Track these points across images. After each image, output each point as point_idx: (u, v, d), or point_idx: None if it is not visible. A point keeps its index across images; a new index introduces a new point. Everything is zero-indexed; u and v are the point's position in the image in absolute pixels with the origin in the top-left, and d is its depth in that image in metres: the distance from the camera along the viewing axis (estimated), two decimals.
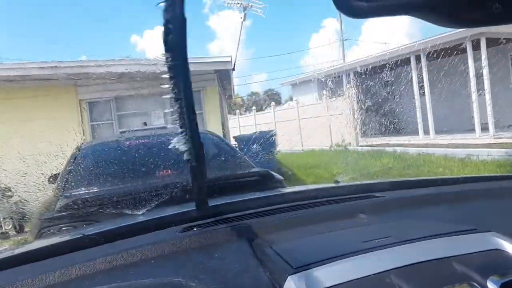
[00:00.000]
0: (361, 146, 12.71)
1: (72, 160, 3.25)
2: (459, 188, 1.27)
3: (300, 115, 15.72)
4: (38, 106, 7.86)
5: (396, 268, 0.64)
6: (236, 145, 8.61)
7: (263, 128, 14.46)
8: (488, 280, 0.60)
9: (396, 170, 8.06)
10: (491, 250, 0.69)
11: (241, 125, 20.19)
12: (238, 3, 13.97)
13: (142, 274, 0.80)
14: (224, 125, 9.72)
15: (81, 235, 1.13)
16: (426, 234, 0.75)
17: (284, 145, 14.82)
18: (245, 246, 0.89)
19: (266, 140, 9.25)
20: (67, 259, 0.93)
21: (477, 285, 0.59)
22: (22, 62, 9.21)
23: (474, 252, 0.68)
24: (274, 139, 9.64)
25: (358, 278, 0.62)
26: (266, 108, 28.82)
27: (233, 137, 10.43)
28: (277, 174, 3.39)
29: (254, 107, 21.03)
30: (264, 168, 3.41)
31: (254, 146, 8.80)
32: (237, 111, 24.44)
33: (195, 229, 1.05)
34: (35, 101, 7.86)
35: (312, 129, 14.92)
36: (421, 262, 0.66)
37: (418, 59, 11.93)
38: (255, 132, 10.73)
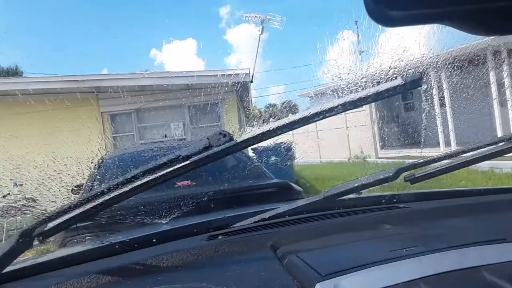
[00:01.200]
0: (380, 158, 12.56)
1: (95, 171, 3.32)
2: (485, 199, 1.25)
3: (318, 126, 15.66)
4: (61, 118, 8.06)
5: (425, 277, 0.63)
6: (254, 157, 8.62)
7: (280, 140, 14.46)
8: None
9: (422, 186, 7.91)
10: None
11: None
12: (256, 17, 14.12)
13: (170, 280, 0.82)
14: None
15: (109, 243, 1.16)
16: (454, 243, 0.74)
17: (302, 156, 14.76)
18: (270, 255, 0.90)
19: (284, 152, 9.23)
20: (95, 265, 0.95)
21: None
22: (45, 75, 9.51)
23: (504, 262, 0.67)
24: (292, 150, 9.61)
25: (387, 287, 0.62)
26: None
27: (251, 149, 10.45)
28: (297, 186, 3.39)
29: (271, 119, 21.07)
30: (283, 180, 3.41)
31: (272, 158, 8.79)
32: (255, 123, 24.53)
33: (220, 237, 1.06)
34: (58, 114, 8.07)
35: (331, 141, 14.83)
36: (450, 271, 0.65)
37: (437, 70, 11.80)
38: (273, 144, 10.72)
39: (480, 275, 0.64)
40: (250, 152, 9.27)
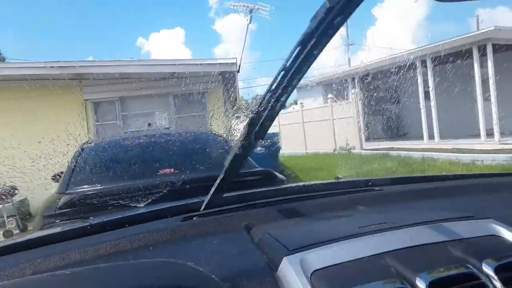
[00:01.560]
0: (365, 149, 12.69)
1: (75, 159, 3.28)
2: (459, 183, 1.27)
3: (304, 118, 15.72)
4: (44, 105, 7.92)
5: (391, 251, 0.64)
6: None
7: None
8: (483, 263, 0.59)
9: (400, 174, 8.02)
10: (487, 235, 0.69)
11: None
12: (245, 6, 14.02)
13: (141, 258, 0.81)
14: (227, 127, 9.73)
15: (81, 224, 1.14)
16: (424, 220, 0.75)
17: (288, 148, 14.82)
18: (243, 234, 0.90)
19: (270, 142, 9.25)
20: (67, 245, 0.94)
21: (472, 267, 0.59)
22: (28, 61, 9.31)
23: (471, 237, 0.68)
24: (278, 141, 9.64)
25: (353, 260, 0.62)
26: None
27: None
28: (280, 175, 3.39)
29: (259, 108, 21.04)
30: (266, 168, 3.41)
31: (258, 148, 8.79)
32: (241, 113, 24.46)
33: (194, 219, 1.05)
34: (41, 101, 7.92)
35: (316, 133, 14.92)
36: (417, 245, 0.66)
37: (424, 64, 11.90)
38: None
39: (445, 250, 0.65)
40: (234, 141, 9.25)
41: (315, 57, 0.81)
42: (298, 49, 0.80)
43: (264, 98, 0.97)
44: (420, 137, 12.09)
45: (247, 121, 1.06)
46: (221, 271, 0.67)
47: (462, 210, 0.90)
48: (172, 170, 3.04)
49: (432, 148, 10.95)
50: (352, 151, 12.91)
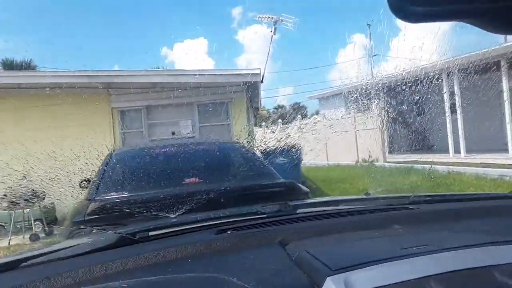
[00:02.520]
0: (388, 162, 12.48)
1: (104, 166, 3.35)
2: (493, 203, 1.24)
3: (326, 129, 15.62)
4: (73, 113, 8.14)
5: (436, 275, 0.63)
6: (262, 157, 8.60)
7: (289, 141, 14.42)
8: None
9: (425, 188, 7.86)
10: None
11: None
12: (270, 17, 14.14)
13: (180, 270, 0.83)
14: (250, 137, 9.76)
15: (116, 235, 1.17)
16: (466, 243, 0.74)
17: (309, 158, 14.73)
18: (279, 250, 0.90)
19: (292, 153, 9.22)
20: (107, 255, 0.96)
21: None
22: (58, 70, 9.62)
23: None
24: (300, 152, 9.60)
25: (397, 283, 0.62)
26: (292, 121, 28.74)
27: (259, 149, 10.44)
28: (304, 186, 3.38)
29: (280, 120, 21.06)
30: (290, 180, 3.41)
31: (280, 159, 8.77)
32: (263, 123, 24.51)
33: (228, 232, 1.06)
34: (70, 109, 8.15)
35: (338, 144, 14.78)
36: (462, 270, 0.65)
37: (450, 76, 11.70)
38: (282, 146, 10.72)
39: (490, 275, 0.64)
40: (258, 152, 9.28)
41: None
42: None
43: None
44: (446, 151, 11.84)
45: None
46: None
47: (502, 232, 0.89)
48: (201, 180, 3.07)
49: (458, 162, 10.70)
50: (375, 163, 12.73)
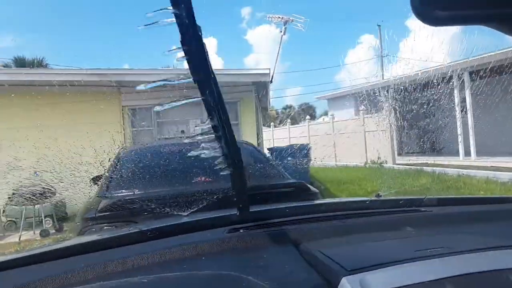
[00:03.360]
0: (397, 164, 12.40)
1: (115, 163, 3.38)
2: (508, 207, 1.24)
3: (335, 130, 15.59)
4: (84, 110, 8.22)
5: (451, 277, 0.63)
6: (271, 157, 8.63)
7: (297, 141, 14.43)
8: None
9: (435, 191, 7.80)
10: None
11: (275, 137, 20.23)
12: (280, 17, 14.13)
13: (195, 267, 0.84)
14: (259, 137, 9.78)
15: (127, 232, 1.18)
16: (480, 246, 0.74)
17: (318, 159, 14.70)
18: (292, 249, 0.91)
19: (301, 153, 9.22)
20: (120, 252, 0.97)
21: None
22: (69, 68, 9.72)
23: None
24: (309, 152, 9.59)
25: (412, 284, 0.63)
26: (300, 121, 28.73)
27: (268, 149, 10.46)
28: (313, 187, 3.38)
29: (288, 120, 21.04)
30: (299, 180, 3.41)
31: (289, 159, 8.79)
32: (272, 123, 24.53)
33: (241, 231, 1.07)
34: (81, 106, 8.24)
35: (347, 145, 14.73)
36: (477, 272, 0.65)
37: (461, 77, 11.59)
38: (290, 145, 10.74)
39: (506, 278, 0.64)
40: (266, 152, 9.30)
41: None
42: None
43: None
44: (456, 153, 11.74)
45: None
46: None
47: None
48: (210, 179, 3.08)
49: (468, 165, 10.60)
50: (384, 165, 12.65)
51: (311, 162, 9.97)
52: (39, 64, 16.76)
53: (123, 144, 7.72)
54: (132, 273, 0.83)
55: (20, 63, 16.92)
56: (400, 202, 1.32)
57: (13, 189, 7.12)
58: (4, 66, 15.42)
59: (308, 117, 19.77)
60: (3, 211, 7.18)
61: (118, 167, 3.32)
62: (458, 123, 11.77)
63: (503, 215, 1.15)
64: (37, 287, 0.77)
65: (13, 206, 7.20)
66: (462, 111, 11.68)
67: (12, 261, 0.96)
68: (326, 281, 0.68)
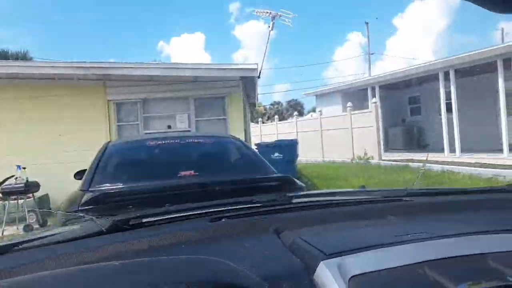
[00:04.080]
0: (384, 160, 12.53)
1: (99, 157, 3.33)
2: (489, 196, 1.25)
3: (322, 126, 15.66)
4: (69, 104, 8.10)
5: (430, 261, 0.63)
6: (258, 151, 8.62)
7: (284, 137, 14.46)
8: None
9: (420, 185, 7.90)
10: None
11: (263, 133, 20.25)
12: (268, 12, 14.10)
13: (175, 255, 0.82)
14: (246, 132, 9.76)
15: (108, 221, 1.16)
16: (462, 231, 0.75)
17: (305, 155, 14.76)
18: (273, 237, 0.90)
19: (287, 149, 9.24)
20: (100, 240, 0.96)
21: None
22: (54, 61, 9.54)
23: (509, 251, 0.67)
24: (295, 148, 9.62)
25: (391, 268, 0.62)
26: (288, 117, 28.80)
27: (255, 144, 10.46)
28: (299, 181, 3.39)
29: (276, 116, 21.06)
30: (286, 174, 3.41)
31: (276, 154, 8.80)
32: (259, 119, 24.54)
33: (223, 220, 1.06)
34: (66, 100, 8.11)
35: (334, 141, 14.83)
36: (456, 256, 0.65)
37: (446, 75, 11.74)
38: (276, 141, 10.76)
39: (485, 262, 0.64)
40: (254, 147, 9.30)
41: None
42: None
43: None
44: (441, 150, 11.91)
45: None
46: (258, 273, 0.67)
47: (498, 222, 0.89)
48: (196, 173, 3.06)
49: (453, 161, 10.76)
50: (371, 161, 12.77)
51: (298, 157, 9.99)
52: (23, 57, 16.45)
53: (108, 139, 7.63)
54: (108, 260, 0.81)
55: (4, 55, 16.58)
56: (383, 192, 1.33)
57: None
58: None
59: (296, 113, 19.81)
60: None
61: (102, 161, 3.27)
62: (443, 120, 11.92)
63: (485, 204, 1.16)
64: (13, 273, 0.75)
65: None
66: (447, 108, 11.84)
67: None
68: (305, 265, 0.68)
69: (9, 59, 14.97)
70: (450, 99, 11.62)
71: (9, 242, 1.03)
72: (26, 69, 8.13)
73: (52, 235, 1.10)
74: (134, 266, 0.70)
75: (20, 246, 0.95)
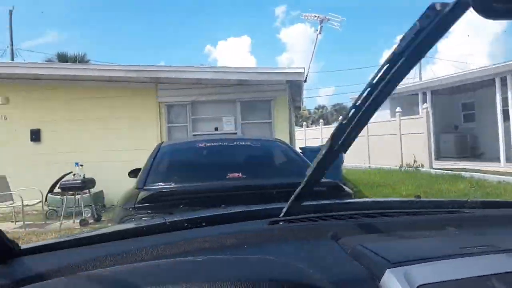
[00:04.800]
0: (434, 168, 12.03)
1: (153, 157, 3.46)
2: None
3: (369, 131, 15.30)
4: (123, 105, 8.49)
5: (498, 274, 0.63)
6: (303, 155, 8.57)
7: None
8: None
9: (474, 197, 7.53)
10: None
11: (307, 137, 20.11)
12: (316, 16, 14.03)
13: (239, 254, 0.86)
14: (291, 136, 9.76)
15: (168, 220, 1.21)
16: None
17: (350, 161, 14.49)
18: (332, 243, 0.91)
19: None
20: (167, 236, 1.01)
21: None
22: (109, 64, 10.05)
23: None
24: (341, 154, 9.47)
25: (458, 279, 0.63)
26: (332, 122, 28.40)
27: (300, 148, 10.42)
28: (347, 188, 3.35)
29: (321, 120, 20.84)
30: (333, 180, 3.39)
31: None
32: (304, 123, 24.38)
33: (281, 223, 1.09)
34: (119, 101, 8.51)
35: (381, 147, 14.44)
36: None
37: (503, 81, 11.11)
38: (321, 145, 10.64)
39: None
40: (299, 150, 9.26)
41: (401, 77, 0.84)
42: (385, 67, 0.82)
43: (349, 113, 0.99)
44: (497, 159, 11.27)
45: (331, 133, 1.09)
46: (323, 277, 0.69)
47: None
48: (242, 174, 3.12)
49: (509, 172, 10.16)
50: (420, 169, 12.30)
51: (343, 163, 9.83)
52: (81, 59, 17.39)
53: (160, 139, 7.92)
54: (179, 255, 0.86)
55: (63, 58, 17.61)
56: (442, 203, 1.30)
57: (54, 179, 7.46)
58: (47, 61, 16.10)
59: (341, 117, 19.51)
60: (46, 200, 7.51)
61: (156, 161, 3.41)
62: (500, 128, 11.29)
63: None
64: (75, 269, 0.80)
65: (55, 196, 7.54)
66: (504, 115, 11.20)
67: (55, 244, 1.01)
68: (370, 273, 0.69)
69: (67, 62, 15.89)
70: (507, 105, 10.99)
71: (65, 239, 1.09)
72: (84, 71, 8.62)
73: (108, 233, 1.16)
74: (215, 261, 0.75)
75: (77, 243, 1.00)
